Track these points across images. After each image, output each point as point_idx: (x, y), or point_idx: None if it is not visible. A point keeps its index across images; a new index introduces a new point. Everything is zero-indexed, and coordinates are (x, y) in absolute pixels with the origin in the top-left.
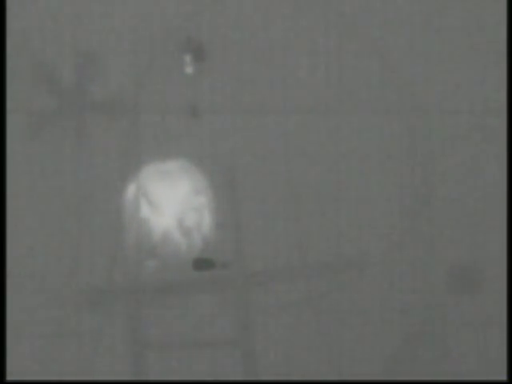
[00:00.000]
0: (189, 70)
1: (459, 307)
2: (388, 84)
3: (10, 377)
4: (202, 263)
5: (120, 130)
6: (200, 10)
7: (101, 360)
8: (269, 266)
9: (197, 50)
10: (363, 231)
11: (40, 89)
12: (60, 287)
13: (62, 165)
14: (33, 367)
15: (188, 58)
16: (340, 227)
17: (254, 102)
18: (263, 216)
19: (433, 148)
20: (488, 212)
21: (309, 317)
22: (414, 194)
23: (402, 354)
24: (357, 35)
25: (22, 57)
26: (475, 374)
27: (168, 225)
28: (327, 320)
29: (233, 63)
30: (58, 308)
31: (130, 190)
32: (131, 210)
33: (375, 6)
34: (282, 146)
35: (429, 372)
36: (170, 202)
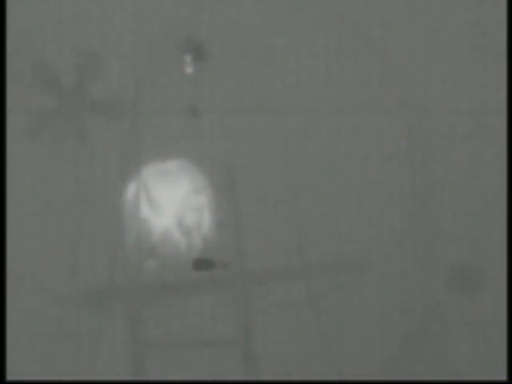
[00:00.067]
0: (189, 69)
1: (459, 307)
2: (388, 84)
3: (9, 377)
4: (202, 263)
5: (120, 130)
6: (200, 10)
7: (101, 360)
8: (269, 266)
9: (197, 49)
10: (363, 231)
11: (40, 89)
12: (60, 287)
13: (62, 165)
14: (33, 367)
15: (188, 58)
16: (340, 227)
17: (254, 102)
18: (263, 216)
19: (433, 148)
20: (488, 212)
21: (309, 317)
22: (414, 194)
23: (402, 354)
24: (357, 35)
25: (22, 57)
26: (475, 374)
27: (168, 224)
28: (327, 320)
29: (233, 63)
30: (58, 308)
31: (130, 189)
32: (131, 209)
33: (375, 6)
34: (281, 146)
35: (429, 372)
36: (170, 201)
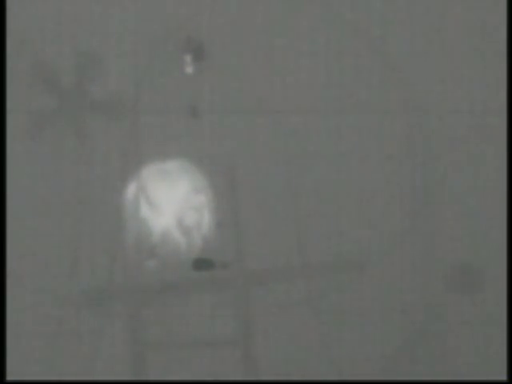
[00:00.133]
0: (189, 69)
1: (459, 307)
2: (388, 84)
3: (9, 377)
4: (202, 263)
5: (120, 130)
6: (200, 10)
7: (101, 360)
8: (269, 266)
9: (197, 49)
10: (363, 231)
11: (40, 89)
12: (60, 287)
13: (62, 165)
14: (33, 367)
15: (188, 58)
16: (340, 227)
17: (254, 102)
18: (263, 216)
19: (433, 148)
20: (488, 212)
21: (309, 317)
22: (414, 194)
23: (402, 353)
24: (357, 35)
25: (22, 57)
26: (475, 374)
27: (168, 224)
28: (327, 320)
29: (233, 63)
30: (58, 308)
31: (130, 189)
32: (131, 209)
33: (375, 6)
34: (281, 146)
35: (429, 372)
36: (170, 201)
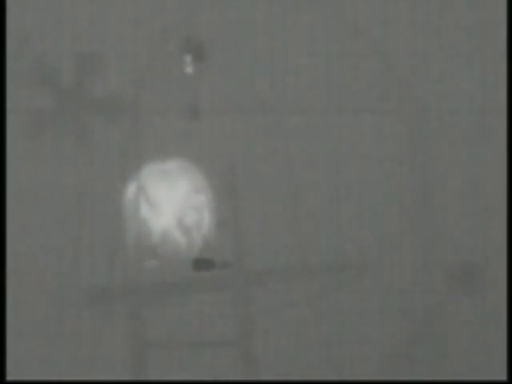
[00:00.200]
0: (189, 69)
1: (459, 307)
2: (388, 84)
3: (10, 377)
4: (202, 263)
5: (120, 130)
6: (200, 9)
7: (101, 360)
8: (269, 266)
9: (197, 49)
10: (363, 231)
11: (40, 89)
12: (60, 287)
13: (62, 165)
14: (33, 367)
15: (188, 58)
16: (340, 227)
17: (254, 102)
18: (263, 216)
19: (433, 148)
20: (488, 212)
21: (309, 317)
22: (414, 194)
23: (402, 353)
24: (357, 35)
25: (22, 57)
26: (475, 374)
27: (168, 224)
28: (327, 320)
29: (233, 63)
30: (58, 308)
31: (130, 189)
32: (131, 209)
33: (375, 6)
34: (281, 146)
35: (429, 372)
36: (170, 201)
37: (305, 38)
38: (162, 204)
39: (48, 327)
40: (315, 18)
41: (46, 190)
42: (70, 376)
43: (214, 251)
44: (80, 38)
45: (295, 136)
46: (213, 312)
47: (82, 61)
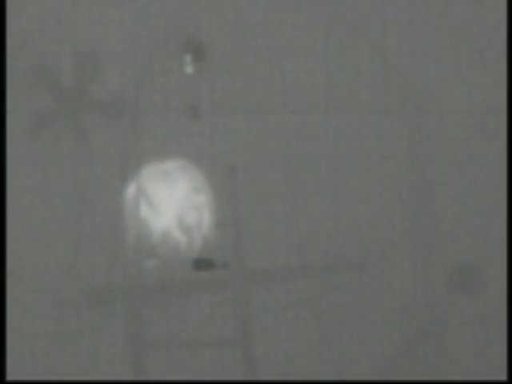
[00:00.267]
0: (189, 69)
1: (459, 307)
2: (388, 84)
3: (10, 377)
4: (202, 263)
5: (120, 130)
6: (200, 9)
7: (101, 360)
8: (269, 266)
9: (197, 49)
10: (363, 231)
11: (40, 89)
12: (60, 287)
13: (62, 165)
14: (33, 367)
15: (188, 58)
16: (340, 227)
17: (254, 102)
18: (263, 216)
19: (433, 148)
20: (488, 212)
21: (309, 317)
22: (414, 194)
23: (402, 354)
24: (357, 35)
25: (22, 57)
26: (475, 374)
27: (168, 224)
28: (327, 320)
29: (233, 63)
30: (58, 308)
31: (130, 190)
32: (131, 209)
33: (375, 6)
34: (281, 146)
35: (429, 372)
36: (170, 201)
37: (305, 37)
38: (162, 204)
39: (48, 327)
40: (315, 17)
41: (46, 190)
42: (70, 376)
43: (214, 251)
44: (80, 37)
45: (295, 136)
46: (213, 312)
47: (82, 61)
